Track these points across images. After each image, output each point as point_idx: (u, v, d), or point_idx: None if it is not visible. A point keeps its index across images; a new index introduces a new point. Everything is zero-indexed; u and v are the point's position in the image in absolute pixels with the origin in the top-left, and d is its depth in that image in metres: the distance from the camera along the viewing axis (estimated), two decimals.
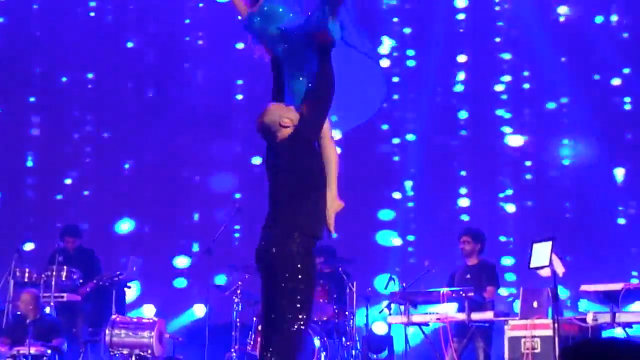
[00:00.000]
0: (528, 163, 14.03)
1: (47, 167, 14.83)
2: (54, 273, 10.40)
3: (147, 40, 15.14)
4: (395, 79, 14.33)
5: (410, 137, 14.31)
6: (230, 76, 14.74)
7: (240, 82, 14.82)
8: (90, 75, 15.16)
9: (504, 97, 14.14)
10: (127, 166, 15.02)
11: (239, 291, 10.82)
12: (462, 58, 14.30)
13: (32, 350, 9.78)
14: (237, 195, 14.45)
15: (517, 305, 9.78)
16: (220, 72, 14.71)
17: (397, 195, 14.25)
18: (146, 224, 14.63)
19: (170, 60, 15.02)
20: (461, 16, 14.33)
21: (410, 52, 14.53)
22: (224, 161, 14.74)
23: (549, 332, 8.81)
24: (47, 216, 14.25)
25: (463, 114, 14.30)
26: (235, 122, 14.75)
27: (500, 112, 14.14)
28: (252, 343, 10.47)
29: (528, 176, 14.00)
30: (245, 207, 11.71)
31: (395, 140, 14.44)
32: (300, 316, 5.59)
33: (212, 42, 14.76)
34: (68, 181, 14.85)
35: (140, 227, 14.52)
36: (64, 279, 10.54)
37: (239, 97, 14.84)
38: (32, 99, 15.14)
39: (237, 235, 14.25)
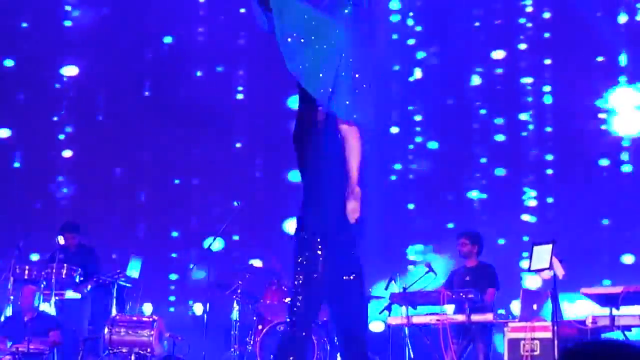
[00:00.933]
0: (549, 171, 13.92)
1: (32, 170, 14.67)
2: (54, 270, 10.49)
3: (144, 36, 14.98)
4: (411, 78, 14.44)
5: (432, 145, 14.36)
6: (232, 75, 14.67)
7: (241, 82, 14.72)
8: (74, 72, 14.90)
9: (530, 99, 14.08)
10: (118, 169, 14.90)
11: (239, 290, 11.01)
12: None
13: (31, 347, 9.89)
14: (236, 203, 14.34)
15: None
16: (221, 70, 14.65)
17: (410, 206, 14.31)
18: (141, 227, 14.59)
19: (168, 57, 14.94)
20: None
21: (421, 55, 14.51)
22: (223, 163, 14.69)
23: (548, 335, 8.89)
24: (31, 222, 13.98)
25: (479, 117, 14.30)
26: (236, 122, 14.71)
27: (524, 117, 14.10)
28: (252, 343, 10.68)
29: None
30: (245, 208, 11.75)
31: (409, 146, 14.48)
32: (293, 318, 5.80)
33: (213, 38, 14.63)
34: (53, 185, 14.72)
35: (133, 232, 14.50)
36: (64, 276, 10.65)
37: (240, 96, 14.74)
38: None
39: (236, 237, 14.29)
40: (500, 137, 14.08)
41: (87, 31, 14.79)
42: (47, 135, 14.68)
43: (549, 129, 13.91)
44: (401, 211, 14.11)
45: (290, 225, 13.72)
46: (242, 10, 14.46)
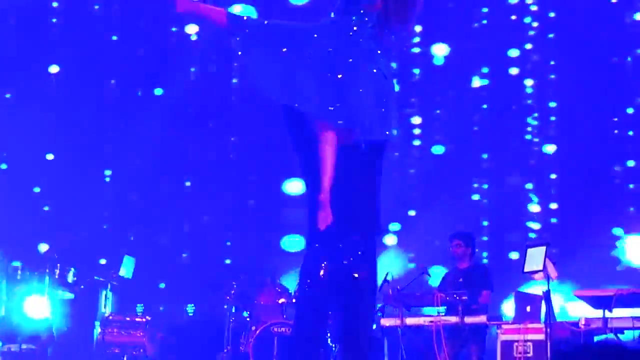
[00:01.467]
0: (553, 176, 13.96)
1: (19, 172, 14.47)
2: (47, 270, 10.65)
3: (136, 34, 14.92)
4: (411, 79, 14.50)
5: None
6: (226, 74, 14.67)
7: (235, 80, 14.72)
8: (55, 69, 14.76)
9: (530, 101, 14.13)
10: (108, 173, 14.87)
11: (232, 291, 11.17)
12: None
13: (24, 347, 10.08)
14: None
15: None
16: (214, 70, 14.66)
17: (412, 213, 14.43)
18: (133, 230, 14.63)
19: (161, 56, 14.85)
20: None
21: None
22: (215, 165, 14.71)
23: (541, 337, 8.99)
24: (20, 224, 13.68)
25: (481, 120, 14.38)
26: (230, 124, 14.69)
27: (529, 120, 14.16)
28: (245, 344, 10.78)
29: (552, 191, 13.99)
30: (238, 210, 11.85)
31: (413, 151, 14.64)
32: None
33: (206, 37, 14.63)
34: (37, 189, 14.60)
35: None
36: (57, 276, 10.81)
37: (233, 97, 14.77)
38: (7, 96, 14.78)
39: (228, 243, 14.43)
40: (504, 141, 14.14)
41: (77, 29, 14.66)
42: (35, 136, 14.36)
43: (553, 132, 13.99)
44: (400, 216, 14.20)
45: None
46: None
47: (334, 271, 5.84)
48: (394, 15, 6.02)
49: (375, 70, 5.93)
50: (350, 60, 5.89)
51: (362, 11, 5.99)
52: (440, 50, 14.43)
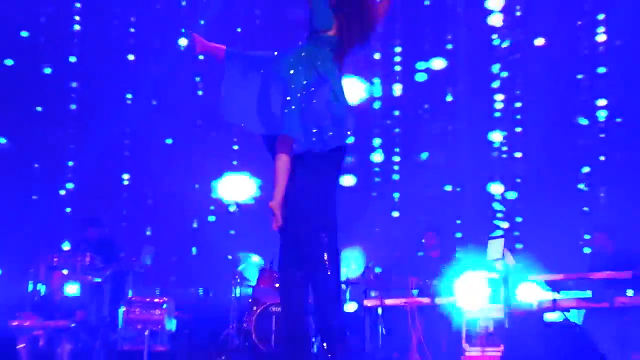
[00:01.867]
0: (518, 180, 14.56)
1: (45, 178, 15.04)
2: (79, 258, 11.61)
3: (149, 41, 15.34)
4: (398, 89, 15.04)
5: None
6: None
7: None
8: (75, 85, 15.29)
9: (498, 114, 14.69)
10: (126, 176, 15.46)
11: (237, 276, 12.29)
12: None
13: (60, 324, 11.10)
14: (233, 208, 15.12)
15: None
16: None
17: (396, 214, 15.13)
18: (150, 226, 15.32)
19: (171, 63, 15.10)
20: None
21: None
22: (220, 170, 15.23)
23: (501, 315, 10.07)
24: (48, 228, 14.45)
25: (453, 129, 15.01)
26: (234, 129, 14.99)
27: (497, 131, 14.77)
28: (247, 321, 11.77)
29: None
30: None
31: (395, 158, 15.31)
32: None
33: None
34: (62, 192, 15.24)
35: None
36: (87, 263, 11.67)
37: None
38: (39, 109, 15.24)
39: (232, 232, 15.22)
40: (476, 150, 14.71)
41: (96, 46, 15.09)
42: (59, 143, 15.14)
43: (519, 142, 14.57)
44: (385, 219, 14.92)
45: None
46: (238, 30, 15.22)
47: (297, 259, 6.33)
48: (349, 40, 6.40)
49: (327, 88, 6.31)
50: (305, 82, 6.28)
51: (320, 36, 6.37)
52: (438, 64, 15.03)
